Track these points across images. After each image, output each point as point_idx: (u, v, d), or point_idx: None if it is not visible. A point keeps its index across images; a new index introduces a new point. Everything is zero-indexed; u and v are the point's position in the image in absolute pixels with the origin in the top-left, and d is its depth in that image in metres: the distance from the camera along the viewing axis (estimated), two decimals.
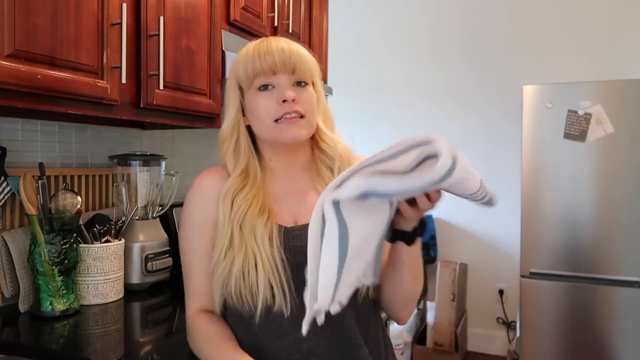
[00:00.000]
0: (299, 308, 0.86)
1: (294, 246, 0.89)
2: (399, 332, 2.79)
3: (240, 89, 0.94)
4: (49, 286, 1.18)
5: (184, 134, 1.96)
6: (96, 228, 1.33)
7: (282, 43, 0.91)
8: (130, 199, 1.49)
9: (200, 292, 0.94)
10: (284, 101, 0.88)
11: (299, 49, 0.93)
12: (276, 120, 0.89)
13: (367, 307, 0.94)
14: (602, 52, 3.05)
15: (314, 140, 0.97)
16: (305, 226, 0.90)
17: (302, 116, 0.90)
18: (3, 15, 0.90)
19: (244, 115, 0.95)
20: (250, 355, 0.83)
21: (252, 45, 0.93)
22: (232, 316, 0.93)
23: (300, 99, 0.90)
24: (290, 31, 1.90)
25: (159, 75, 1.26)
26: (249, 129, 0.96)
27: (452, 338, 2.95)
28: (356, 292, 0.88)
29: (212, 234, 0.92)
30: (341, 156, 0.96)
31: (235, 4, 1.60)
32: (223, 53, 1.55)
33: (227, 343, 0.87)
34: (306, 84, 0.92)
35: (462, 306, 3.22)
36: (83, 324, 1.17)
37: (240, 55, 0.93)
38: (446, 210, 3.39)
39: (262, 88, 0.90)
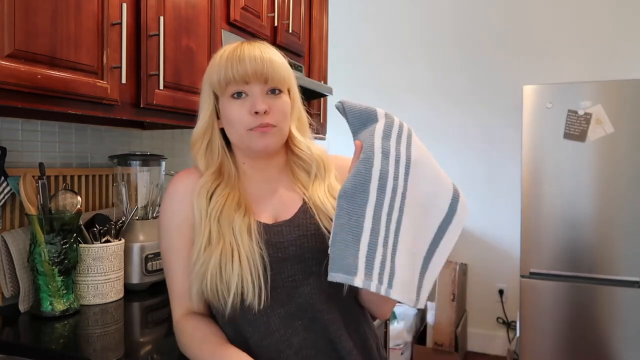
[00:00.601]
0: (271, 305, 0.87)
1: (276, 242, 0.89)
2: (399, 332, 2.79)
3: (215, 93, 0.94)
4: (49, 286, 1.18)
5: (184, 134, 1.96)
6: (96, 228, 1.33)
7: (255, 51, 0.90)
8: (130, 199, 1.49)
9: (185, 296, 0.93)
10: (257, 112, 0.88)
11: (272, 57, 0.91)
12: (249, 129, 0.90)
13: (351, 301, 0.94)
14: (602, 52, 3.05)
15: (287, 145, 0.98)
16: (286, 222, 0.91)
17: (274, 125, 0.90)
18: (3, 15, 0.90)
19: (218, 117, 0.95)
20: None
21: (226, 51, 0.92)
22: (220, 318, 0.93)
23: (273, 109, 0.90)
24: (290, 31, 1.91)
25: (159, 75, 1.26)
26: (223, 131, 0.96)
27: (452, 338, 2.95)
28: (341, 287, 0.89)
29: (191, 235, 0.92)
30: (317, 162, 0.97)
31: (235, 4, 1.60)
32: None
33: (215, 340, 0.87)
34: (280, 91, 0.92)
35: (462, 306, 3.22)
36: (83, 324, 1.17)
37: (214, 60, 0.93)
38: None
39: (235, 96, 0.90)
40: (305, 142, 0.98)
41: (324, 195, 0.93)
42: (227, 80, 0.89)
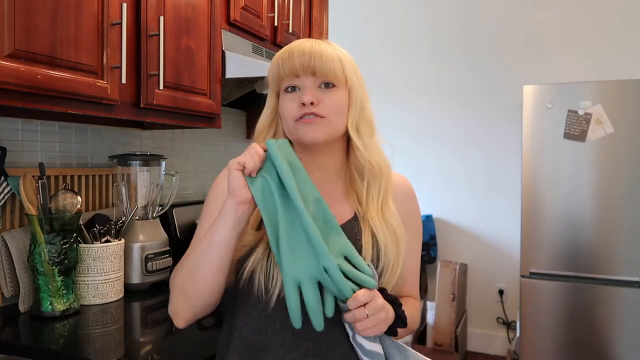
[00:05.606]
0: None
1: None
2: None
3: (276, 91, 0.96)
4: (49, 286, 1.18)
5: (184, 134, 1.96)
6: (96, 228, 1.33)
7: (305, 45, 0.91)
8: (130, 199, 1.49)
9: None
10: (304, 104, 0.89)
11: (323, 50, 0.91)
12: (297, 120, 0.90)
13: None
14: (602, 52, 3.05)
15: (350, 145, 0.96)
16: None
17: (322, 116, 0.89)
18: (3, 15, 0.90)
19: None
20: (249, 347, 0.83)
21: (281, 49, 0.95)
22: (236, 304, 0.91)
23: (323, 102, 0.89)
24: (290, 31, 1.90)
25: (159, 75, 1.26)
26: None
27: (452, 338, 2.95)
28: None
29: None
30: (371, 165, 0.93)
31: (235, 4, 1.60)
32: (223, 53, 1.55)
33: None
34: (334, 85, 0.91)
35: (462, 306, 3.22)
36: (83, 324, 1.17)
37: (272, 59, 0.95)
38: (446, 210, 3.40)
39: (289, 90, 0.92)
40: (363, 142, 0.94)
41: (380, 220, 0.91)
42: (279, 76, 0.91)
